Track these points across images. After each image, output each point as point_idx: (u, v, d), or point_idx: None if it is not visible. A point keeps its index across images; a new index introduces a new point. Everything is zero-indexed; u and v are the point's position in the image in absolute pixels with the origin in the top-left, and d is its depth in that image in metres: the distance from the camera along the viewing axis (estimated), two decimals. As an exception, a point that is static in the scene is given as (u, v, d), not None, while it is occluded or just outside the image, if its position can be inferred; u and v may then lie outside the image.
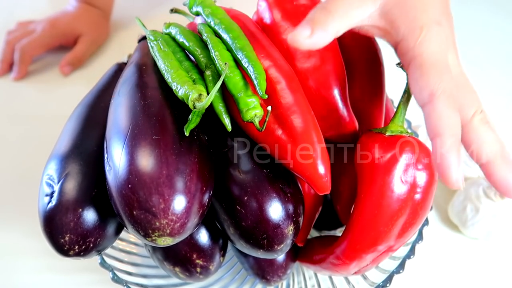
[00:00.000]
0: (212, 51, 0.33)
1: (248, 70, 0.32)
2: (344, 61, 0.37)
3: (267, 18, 0.39)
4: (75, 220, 0.31)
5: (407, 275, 0.40)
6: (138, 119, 0.31)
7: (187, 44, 0.36)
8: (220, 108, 0.34)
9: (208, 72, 0.34)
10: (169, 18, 0.43)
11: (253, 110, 0.31)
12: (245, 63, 0.32)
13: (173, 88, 0.32)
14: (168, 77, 0.33)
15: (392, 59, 0.35)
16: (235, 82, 0.31)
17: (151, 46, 0.37)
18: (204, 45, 0.35)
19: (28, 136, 0.60)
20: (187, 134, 0.31)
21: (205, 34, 0.35)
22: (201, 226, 0.36)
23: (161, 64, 0.34)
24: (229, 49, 0.33)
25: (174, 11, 0.43)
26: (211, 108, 0.35)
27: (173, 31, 0.37)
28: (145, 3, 0.82)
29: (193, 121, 0.32)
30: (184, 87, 0.30)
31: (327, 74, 0.35)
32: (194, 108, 0.30)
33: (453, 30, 0.31)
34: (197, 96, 0.29)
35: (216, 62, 0.32)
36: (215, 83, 0.33)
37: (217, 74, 0.33)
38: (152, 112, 0.32)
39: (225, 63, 0.32)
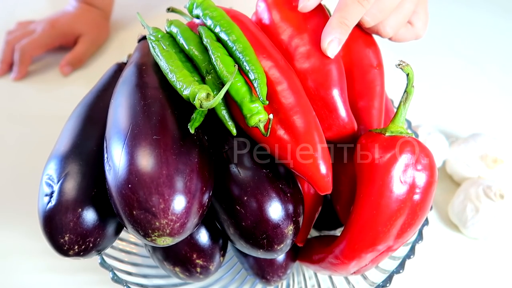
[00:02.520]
0: (213, 57, 0.33)
1: (249, 74, 0.32)
2: (343, 62, 0.37)
3: (266, 19, 0.39)
4: (74, 220, 0.31)
5: (407, 275, 0.40)
6: (138, 119, 0.31)
7: (186, 47, 0.36)
8: (224, 114, 0.34)
9: (209, 77, 0.34)
10: (170, 18, 0.43)
11: (257, 115, 0.31)
12: (246, 66, 0.32)
13: (178, 87, 0.32)
14: (172, 76, 0.33)
15: (392, 59, 0.35)
16: (237, 88, 0.31)
17: (153, 46, 0.37)
18: (204, 48, 0.35)
19: (27, 136, 0.60)
20: (192, 131, 0.31)
21: (206, 39, 0.34)
22: (201, 226, 0.36)
23: (163, 64, 0.34)
24: (230, 53, 0.33)
25: (171, 10, 0.43)
26: (211, 109, 0.35)
27: (174, 30, 0.37)
28: (145, 3, 0.82)
29: (197, 120, 0.32)
30: (190, 86, 0.30)
31: (326, 74, 0.35)
32: (201, 107, 0.30)
33: None
34: (205, 96, 0.30)
35: (217, 68, 0.32)
36: (217, 87, 0.33)
37: (217, 80, 0.33)
38: (152, 112, 0.32)
39: (235, 65, 0.32)
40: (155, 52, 0.36)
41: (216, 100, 0.29)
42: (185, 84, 0.31)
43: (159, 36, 0.37)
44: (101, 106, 0.38)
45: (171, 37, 0.38)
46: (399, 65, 0.32)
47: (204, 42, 0.35)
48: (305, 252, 0.40)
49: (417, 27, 0.40)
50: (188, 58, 0.36)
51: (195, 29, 0.38)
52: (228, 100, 0.34)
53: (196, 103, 0.30)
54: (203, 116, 0.32)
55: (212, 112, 0.35)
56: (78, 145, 0.34)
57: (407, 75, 0.32)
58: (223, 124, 0.35)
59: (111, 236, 0.34)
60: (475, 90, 0.68)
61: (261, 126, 0.31)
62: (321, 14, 0.38)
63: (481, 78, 0.70)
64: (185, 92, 0.31)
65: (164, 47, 0.36)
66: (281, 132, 0.32)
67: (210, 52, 0.33)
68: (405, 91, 0.33)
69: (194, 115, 0.32)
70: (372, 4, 0.35)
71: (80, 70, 0.71)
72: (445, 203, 0.53)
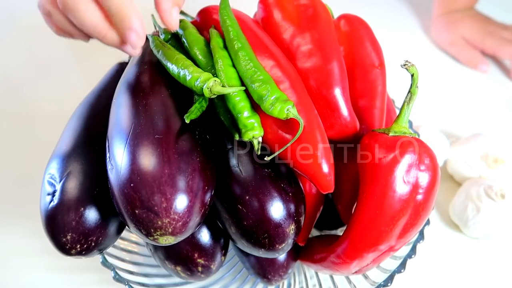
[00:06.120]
0: (218, 64, 0.33)
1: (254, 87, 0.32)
2: (345, 61, 0.37)
3: (267, 18, 0.39)
4: (77, 219, 0.31)
5: (408, 274, 0.40)
6: (140, 118, 0.31)
7: (190, 50, 0.36)
8: (228, 120, 0.34)
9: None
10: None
11: (251, 131, 0.31)
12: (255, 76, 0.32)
13: (182, 75, 0.32)
14: (174, 67, 0.33)
15: (394, 59, 0.35)
16: (235, 102, 0.32)
17: (155, 44, 0.37)
18: (209, 52, 0.35)
19: (29, 136, 0.60)
20: (187, 121, 0.32)
21: (213, 45, 0.35)
22: (203, 225, 0.36)
23: (167, 62, 0.35)
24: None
25: None
26: (212, 107, 0.35)
27: (180, 31, 0.38)
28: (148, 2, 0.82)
29: (194, 112, 0.32)
30: (198, 75, 0.31)
31: (328, 73, 0.35)
32: (212, 93, 0.31)
33: None
34: (214, 83, 0.31)
35: (223, 78, 0.32)
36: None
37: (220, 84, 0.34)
38: (154, 111, 0.32)
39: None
40: (157, 50, 0.36)
41: (226, 89, 0.30)
42: (191, 73, 0.32)
43: (169, 36, 0.38)
44: (103, 106, 0.38)
45: (178, 38, 0.39)
46: (404, 65, 0.32)
47: (210, 46, 0.35)
48: (306, 251, 0.40)
49: None
50: (192, 60, 0.36)
51: (200, 28, 0.38)
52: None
53: (205, 91, 0.30)
54: (200, 111, 0.32)
55: (214, 112, 0.35)
56: (80, 145, 0.34)
57: (412, 75, 0.32)
58: (225, 125, 0.35)
59: (113, 235, 0.34)
60: (476, 90, 0.68)
61: (255, 142, 0.32)
62: (323, 13, 0.38)
63: (482, 78, 0.70)
64: (194, 82, 0.31)
65: (166, 47, 0.36)
66: (283, 131, 0.32)
67: (214, 59, 0.34)
68: (409, 91, 0.33)
69: (192, 108, 0.32)
70: None
71: (81, 69, 0.71)
72: (446, 203, 0.53)
